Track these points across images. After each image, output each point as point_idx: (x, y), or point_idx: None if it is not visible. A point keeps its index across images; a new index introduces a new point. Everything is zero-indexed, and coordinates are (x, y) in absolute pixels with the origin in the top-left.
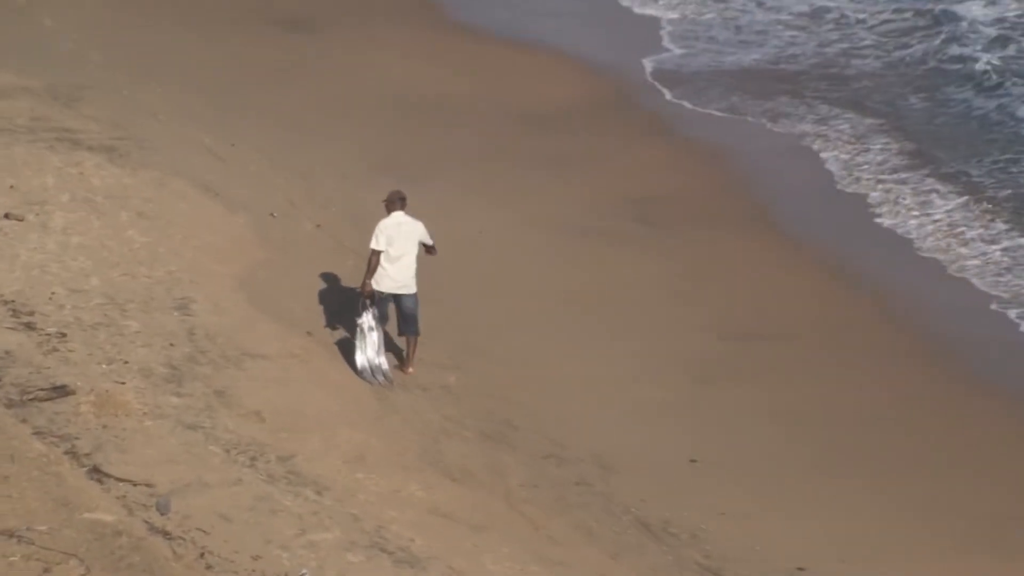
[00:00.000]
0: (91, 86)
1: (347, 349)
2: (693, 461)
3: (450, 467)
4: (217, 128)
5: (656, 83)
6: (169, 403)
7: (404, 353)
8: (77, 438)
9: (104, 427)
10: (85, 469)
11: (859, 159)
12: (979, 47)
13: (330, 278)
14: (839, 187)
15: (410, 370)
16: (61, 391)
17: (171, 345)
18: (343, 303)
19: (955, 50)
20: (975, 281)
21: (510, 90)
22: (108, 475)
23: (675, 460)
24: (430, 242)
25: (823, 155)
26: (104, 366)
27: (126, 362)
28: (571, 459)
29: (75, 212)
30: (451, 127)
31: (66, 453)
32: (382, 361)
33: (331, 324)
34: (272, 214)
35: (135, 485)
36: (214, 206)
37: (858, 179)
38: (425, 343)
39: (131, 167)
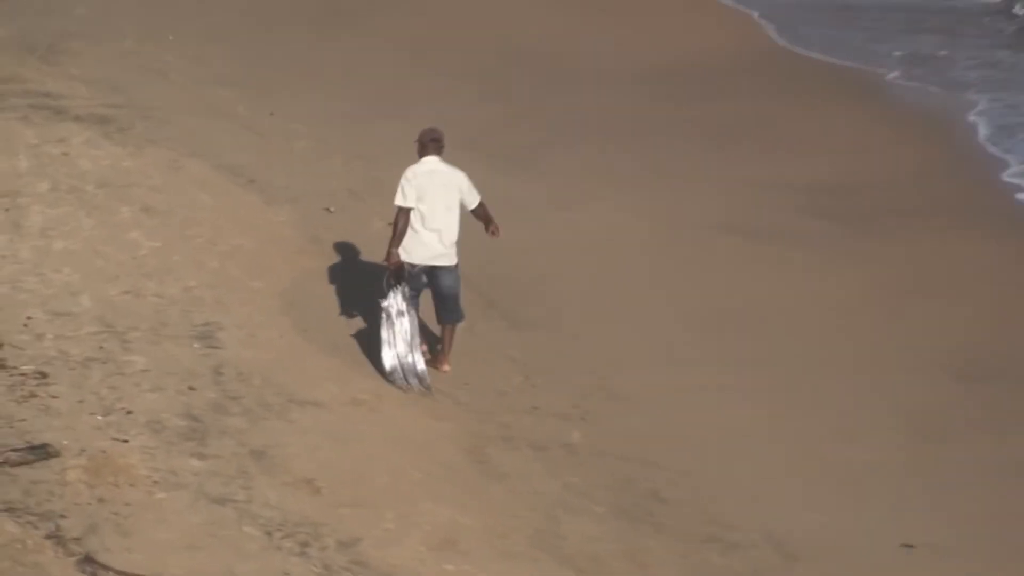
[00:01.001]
0: (80, 35)
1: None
2: (909, 547)
3: (573, 554)
4: (250, 91)
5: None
6: (188, 468)
7: (439, 346)
8: (63, 516)
9: (100, 501)
10: (75, 559)
11: None
12: None
13: None
14: None
15: (445, 367)
16: (41, 452)
17: (190, 389)
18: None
19: None
20: None
21: (642, 36)
22: (106, 567)
23: (884, 545)
24: (474, 200)
25: None
26: (99, 418)
27: (129, 412)
28: (741, 543)
29: (58, 207)
30: (568, 90)
31: (48, 537)
32: (417, 359)
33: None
34: (327, 208)
35: None
36: (247, 197)
37: None
38: (538, 384)
39: (133, 145)
